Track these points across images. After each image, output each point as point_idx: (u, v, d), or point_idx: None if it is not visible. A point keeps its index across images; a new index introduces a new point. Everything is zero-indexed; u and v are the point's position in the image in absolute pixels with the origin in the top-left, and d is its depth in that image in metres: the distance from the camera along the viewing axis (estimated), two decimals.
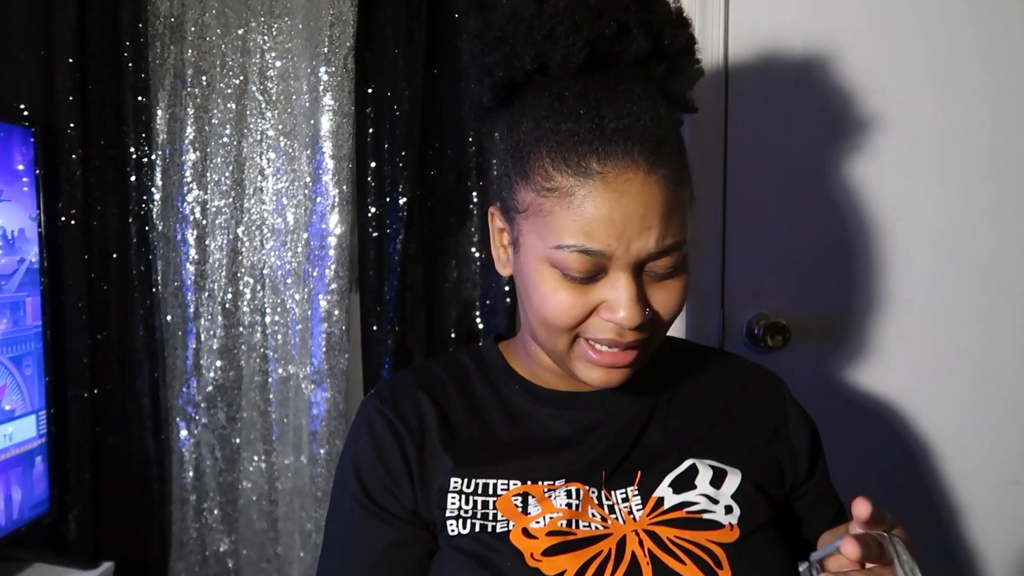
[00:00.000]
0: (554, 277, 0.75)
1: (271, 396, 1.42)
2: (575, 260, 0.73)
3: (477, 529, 0.76)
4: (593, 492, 0.79)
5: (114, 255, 1.36)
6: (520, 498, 0.78)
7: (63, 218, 1.32)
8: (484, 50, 0.80)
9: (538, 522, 0.76)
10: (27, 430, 1.27)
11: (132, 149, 1.35)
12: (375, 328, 1.40)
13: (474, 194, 1.42)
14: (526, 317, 0.83)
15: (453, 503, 0.78)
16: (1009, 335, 1.53)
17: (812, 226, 1.50)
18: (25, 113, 1.31)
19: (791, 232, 1.50)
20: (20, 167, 1.26)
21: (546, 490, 0.78)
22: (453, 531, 0.77)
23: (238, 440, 1.43)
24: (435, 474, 0.81)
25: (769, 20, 1.47)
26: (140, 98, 1.35)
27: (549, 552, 0.73)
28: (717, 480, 0.80)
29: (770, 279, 1.50)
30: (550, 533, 0.75)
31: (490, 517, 0.77)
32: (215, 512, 1.42)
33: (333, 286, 1.38)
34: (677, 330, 1.50)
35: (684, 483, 0.80)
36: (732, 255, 1.49)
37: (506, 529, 0.75)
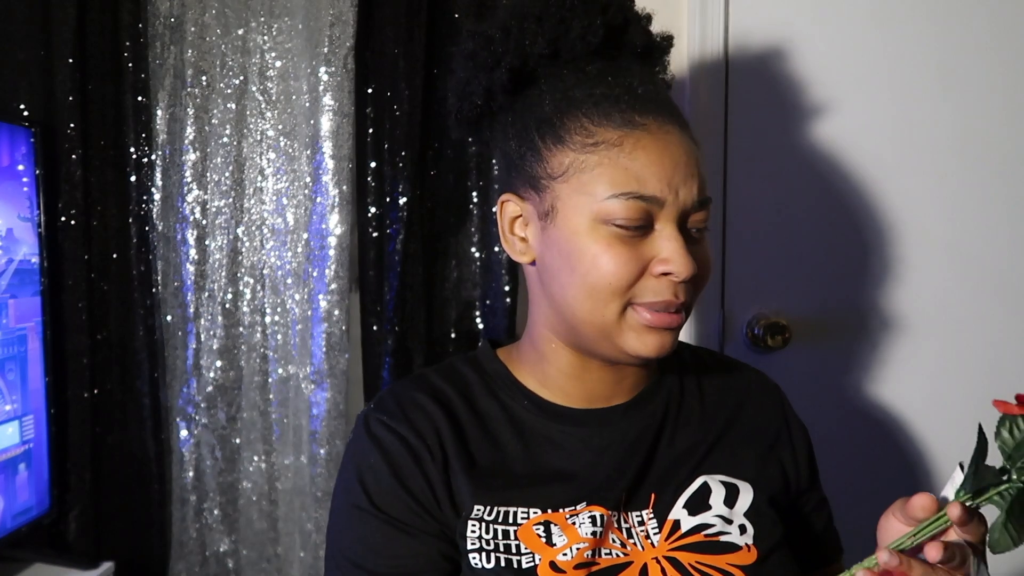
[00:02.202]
0: (605, 236, 0.73)
1: (271, 396, 1.42)
2: (629, 208, 0.72)
3: (502, 564, 0.73)
4: (614, 516, 0.77)
5: (114, 255, 1.36)
6: (542, 527, 0.75)
7: (63, 218, 1.32)
8: (489, 43, 0.81)
9: (565, 554, 0.73)
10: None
11: (132, 149, 1.35)
12: (375, 328, 1.40)
13: (474, 194, 1.42)
14: (561, 297, 0.77)
15: (474, 531, 0.75)
16: (1010, 335, 1.53)
17: (812, 226, 1.50)
18: (25, 113, 1.31)
19: (791, 232, 1.50)
20: (20, 167, 1.25)
21: (568, 516, 0.76)
22: (476, 564, 0.74)
23: (238, 440, 1.43)
24: (459, 497, 0.77)
25: (769, 20, 1.47)
26: (140, 98, 1.34)
27: None
28: (730, 499, 0.80)
29: (770, 279, 1.50)
30: (577, 566, 0.73)
31: (513, 550, 0.74)
32: (215, 512, 1.42)
33: (333, 286, 1.38)
34: None
35: (698, 503, 0.79)
36: (732, 255, 1.49)
37: (532, 564, 0.73)
